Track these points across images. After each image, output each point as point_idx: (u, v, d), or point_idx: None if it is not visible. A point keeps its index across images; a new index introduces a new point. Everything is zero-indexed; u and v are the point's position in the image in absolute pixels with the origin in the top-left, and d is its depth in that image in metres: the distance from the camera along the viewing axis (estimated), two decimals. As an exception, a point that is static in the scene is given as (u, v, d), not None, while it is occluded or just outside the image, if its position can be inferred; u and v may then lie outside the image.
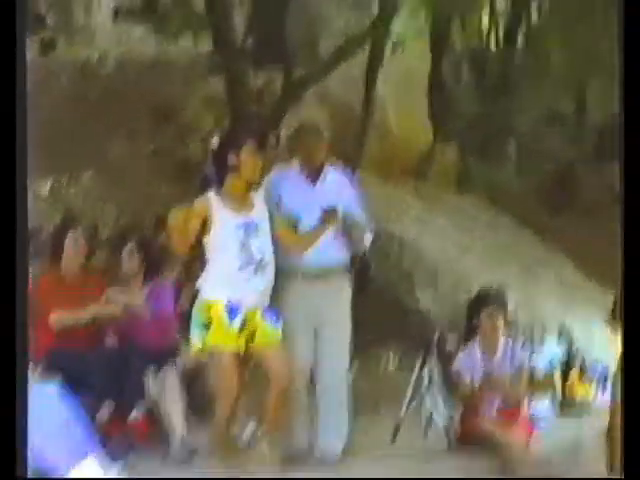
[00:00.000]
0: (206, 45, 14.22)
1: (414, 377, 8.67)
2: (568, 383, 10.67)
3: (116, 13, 15.70)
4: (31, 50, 12.59)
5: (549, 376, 9.92)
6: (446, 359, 8.87)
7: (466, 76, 16.16)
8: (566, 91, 18.66)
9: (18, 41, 3.41)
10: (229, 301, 6.81)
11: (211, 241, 6.91)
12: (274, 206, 7.20)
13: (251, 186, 7.00)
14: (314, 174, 7.47)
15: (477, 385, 8.12)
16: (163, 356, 8.17)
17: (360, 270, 8.28)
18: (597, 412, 9.95)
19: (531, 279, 12.78)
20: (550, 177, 16.14)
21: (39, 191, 9.72)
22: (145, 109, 11.27)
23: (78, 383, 6.82)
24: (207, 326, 6.80)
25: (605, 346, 11.37)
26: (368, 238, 7.61)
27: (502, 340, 8.24)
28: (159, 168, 10.89)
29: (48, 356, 7.96)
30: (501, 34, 18.21)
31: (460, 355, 8.38)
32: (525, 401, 8.40)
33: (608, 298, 12.47)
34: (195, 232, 6.82)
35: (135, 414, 7.88)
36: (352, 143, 10.42)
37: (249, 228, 6.94)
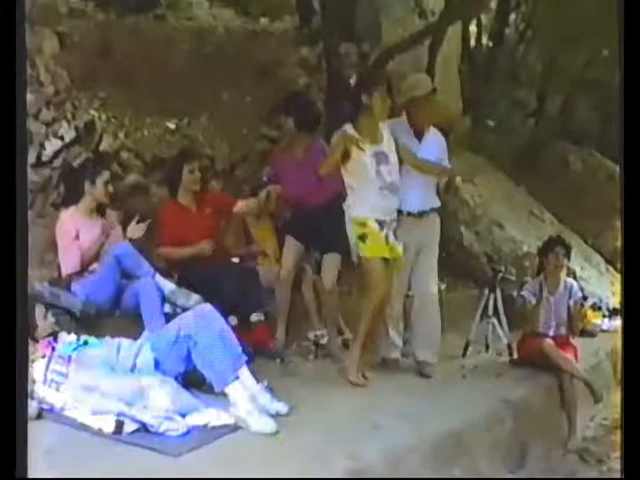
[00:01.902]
0: (281, 25, 12.43)
1: (482, 303, 7.63)
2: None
3: (211, -2, 13.77)
4: (146, 21, 10.87)
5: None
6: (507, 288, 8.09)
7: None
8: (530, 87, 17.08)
9: (17, 30, 2.66)
10: (376, 218, 5.92)
11: (350, 168, 5.94)
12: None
13: (379, 124, 6.04)
14: (420, 132, 6.45)
15: (539, 310, 7.18)
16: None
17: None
18: (606, 334, 8.96)
19: (535, 224, 11.10)
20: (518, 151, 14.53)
21: (168, 128, 7.87)
22: (248, 65, 9.75)
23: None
24: (363, 239, 5.90)
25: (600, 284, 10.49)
26: None
27: (563, 279, 7.32)
28: (260, 113, 9.16)
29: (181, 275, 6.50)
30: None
31: (527, 285, 7.48)
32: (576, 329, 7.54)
33: (582, 246, 11.22)
34: (339, 157, 5.88)
35: (257, 317, 6.37)
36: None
37: (380, 157, 5.97)
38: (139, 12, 11.71)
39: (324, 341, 6.75)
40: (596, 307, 9.26)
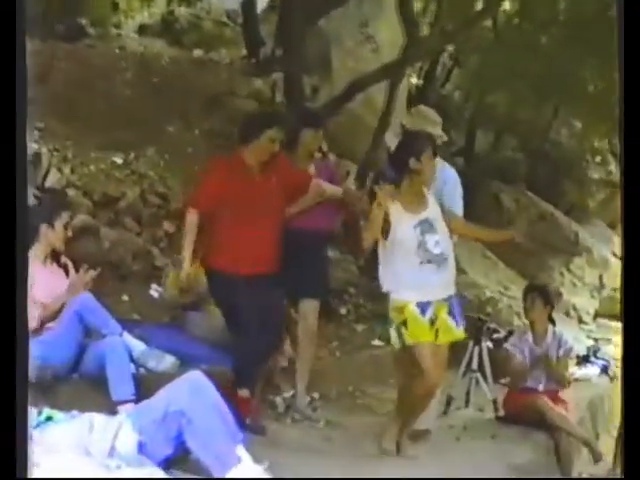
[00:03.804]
0: (216, 56, 11.75)
1: (467, 356, 6.88)
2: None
3: (141, 28, 12.93)
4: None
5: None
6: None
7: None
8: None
9: (18, 37, 2.38)
10: (419, 300, 5.00)
11: (390, 241, 5.05)
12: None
13: (424, 187, 5.19)
14: None
15: (527, 363, 6.54)
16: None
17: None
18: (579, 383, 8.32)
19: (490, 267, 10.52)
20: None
21: (115, 162, 6.97)
22: (196, 95, 8.57)
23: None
24: (405, 325, 5.01)
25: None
26: None
27: (550, 327, 6.66)
28: (212, 147, 8.38)
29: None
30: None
31: (512, 337, 6.85)
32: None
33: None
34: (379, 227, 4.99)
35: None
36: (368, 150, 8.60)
37: (424, 226, 5.06)
38: (67, 41, 10.87)
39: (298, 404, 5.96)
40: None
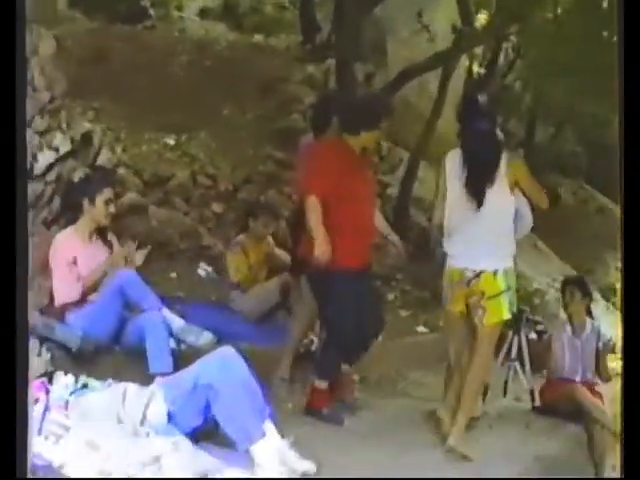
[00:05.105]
0: (274, 41, 11.78)
1: (505, 346, 6.75)
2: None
3: (202, 12, 13.04)
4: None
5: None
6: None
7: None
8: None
9: (18, 33, 2.37)
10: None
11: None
12: None
13: None
14: None
15: (566, 355, 6.51)
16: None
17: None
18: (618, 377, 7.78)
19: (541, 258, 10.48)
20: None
21: (167, 144, 7.09)
22: (251, 80, 8.62)
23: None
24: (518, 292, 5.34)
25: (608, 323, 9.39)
26: None
27: (588, 319, 6.63)
28: (264, 132, 8.46)
29: None
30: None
31: (552, 327, 7.02)
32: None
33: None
34: None
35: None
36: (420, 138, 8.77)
37: None
38: (128, 22, 11.08)
39: None
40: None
